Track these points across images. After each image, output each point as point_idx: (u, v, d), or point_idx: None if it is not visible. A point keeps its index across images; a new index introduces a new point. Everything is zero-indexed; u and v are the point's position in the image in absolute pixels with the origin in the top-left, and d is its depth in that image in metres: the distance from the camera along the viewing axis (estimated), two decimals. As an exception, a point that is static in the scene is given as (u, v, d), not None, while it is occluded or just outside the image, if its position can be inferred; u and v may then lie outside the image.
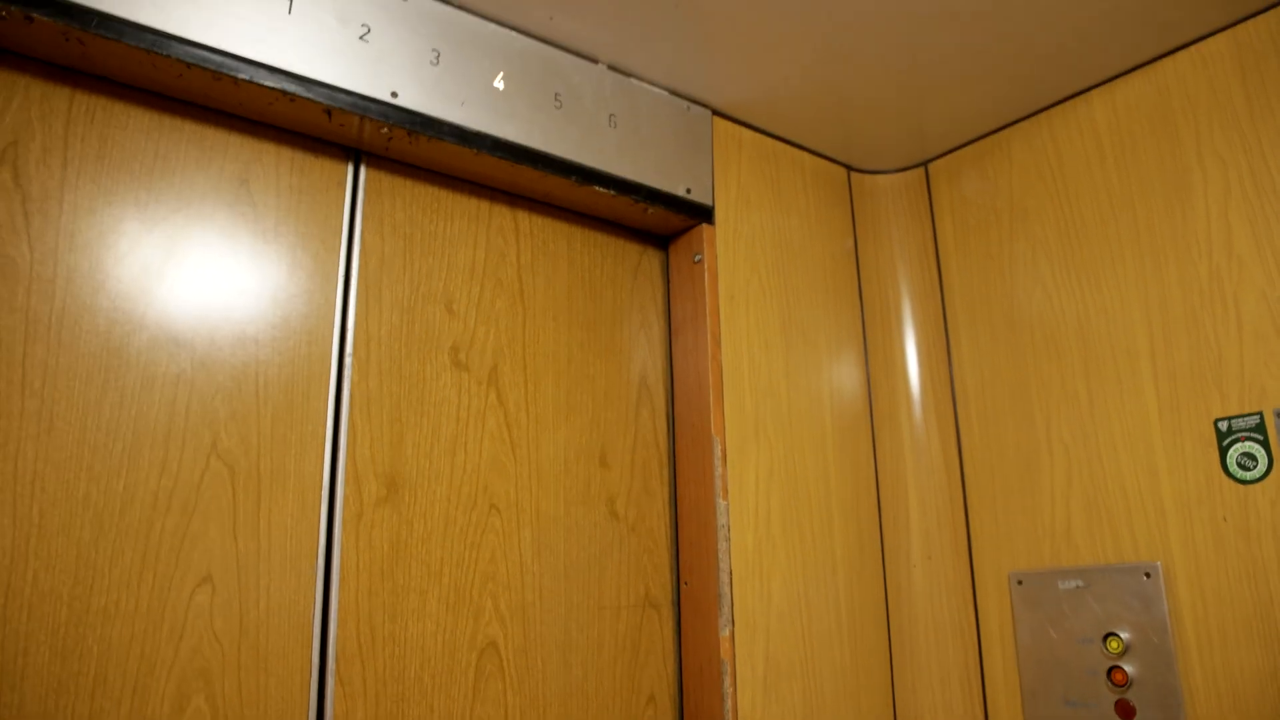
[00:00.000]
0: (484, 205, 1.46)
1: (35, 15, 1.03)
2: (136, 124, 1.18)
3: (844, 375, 1.73)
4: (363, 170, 1.35)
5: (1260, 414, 1.33)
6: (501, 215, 1.48)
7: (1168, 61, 1.49)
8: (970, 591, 1.64)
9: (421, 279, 1.37)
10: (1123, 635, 1.40)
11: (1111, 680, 1.40)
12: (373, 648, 1.20)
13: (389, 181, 1.37)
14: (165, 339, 1.14)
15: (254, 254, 1.23)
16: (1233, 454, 1.35)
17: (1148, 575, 1.40)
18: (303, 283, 1.26)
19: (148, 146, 1.18)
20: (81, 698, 1.01)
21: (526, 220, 1.51)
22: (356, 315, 1.29)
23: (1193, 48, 1.47)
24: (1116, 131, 1.55)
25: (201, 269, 1.19)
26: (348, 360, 1.27)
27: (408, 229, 1.37)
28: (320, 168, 1.31)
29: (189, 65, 1.12)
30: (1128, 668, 1.39)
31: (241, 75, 1.15)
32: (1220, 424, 1.36)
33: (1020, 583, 1.56)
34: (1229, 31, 1.43)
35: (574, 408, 1.48)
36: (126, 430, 1.09)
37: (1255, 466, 1.32)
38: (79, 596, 1.03)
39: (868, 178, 1.89)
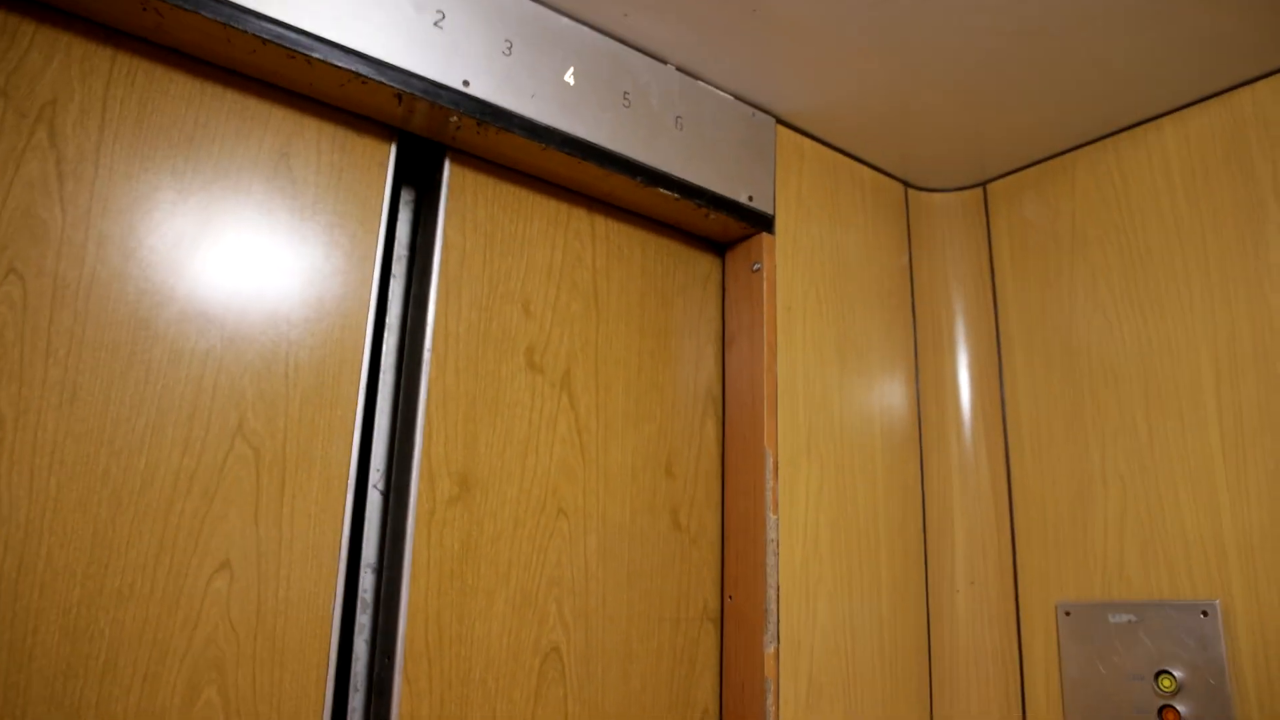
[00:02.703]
0: (563, 208, 1.43)
1: (104, -23, 1.01)
2: (178, 90, 1.14)
3: (894, 394, 1.69)
4: (446, 165, 1.32)
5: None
6: (579, 219, 1.45)
7: (1245, 91, 1.45)
8: (1015, 620, 1.60)
9: (500, 278, 1.34)
10: (1176, 674, 1.36)
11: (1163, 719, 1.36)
12: (440, 647, 1.17)
13: (472, 178, 1.34)
14: (195, 313, 1.10)
15: (290, 231, 1.19)
16: (1303, 492, 1.30)
17: (1205, 614, 1.35)
18: (338, 264, 1.21)
19: (188, 114, 1.14)
20: (90, 683, 0.96)
21: (603, 224, 1.48)
22: (436, 311, 1.26)
23: (1274, 77, 1.42)
24: (1188, 161, 1.51)
25: (236, 243, 1.14)
26: (426, 355, 1.23)
27: (489, 227, 1.34)
28: (363, 146, 1.27)
29: (264, 41, 1.09)
30: (1181, 708, 1.34)
31: (316, 55, 1.12)
32: (1290, 460, 1.32)
33: (1068, 614, 1.51)
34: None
35: (643, 415, 1.45)
36: (151, 406, 1.04)
37: (1327, 506, 1.28)
38: (93, 576, 0.98)
39: (925, 195, 1.85)
